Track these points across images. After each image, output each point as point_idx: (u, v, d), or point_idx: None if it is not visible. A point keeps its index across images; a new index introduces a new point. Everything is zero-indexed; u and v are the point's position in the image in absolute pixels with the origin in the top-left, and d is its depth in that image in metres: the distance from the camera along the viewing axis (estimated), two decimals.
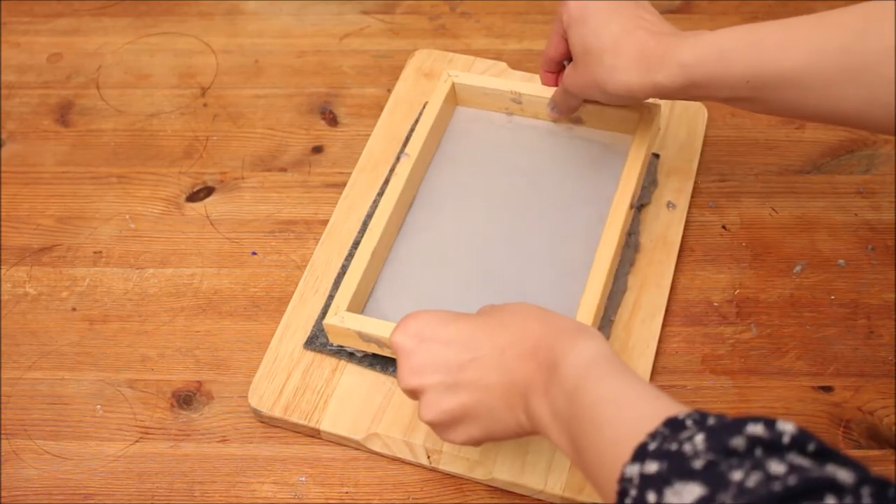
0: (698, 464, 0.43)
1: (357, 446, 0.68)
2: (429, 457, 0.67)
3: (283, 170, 0.84)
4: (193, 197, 0.83)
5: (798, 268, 0.76)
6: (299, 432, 0.69)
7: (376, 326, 0.67)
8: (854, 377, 0.71)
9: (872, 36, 0.57)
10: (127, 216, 0.82)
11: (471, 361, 0.56)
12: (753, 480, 0.40)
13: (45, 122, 0.89)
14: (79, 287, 0.77)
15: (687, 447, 0.43)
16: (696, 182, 0.81)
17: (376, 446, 0.67)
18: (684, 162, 0.81)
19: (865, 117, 0.60)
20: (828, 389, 0.70)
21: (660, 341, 0.72)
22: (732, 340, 0.73)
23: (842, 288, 0.75)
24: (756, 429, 0.43)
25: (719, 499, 0.41)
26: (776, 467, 0.41)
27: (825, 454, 0.42)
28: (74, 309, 0.76)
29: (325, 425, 0.68)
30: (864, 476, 0.40)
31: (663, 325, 0.73)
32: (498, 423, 0.56)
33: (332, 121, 0.88)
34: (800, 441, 0.42)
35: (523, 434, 0.57)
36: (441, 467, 0.67)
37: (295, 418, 0.68)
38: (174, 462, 0.68)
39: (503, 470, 0.66)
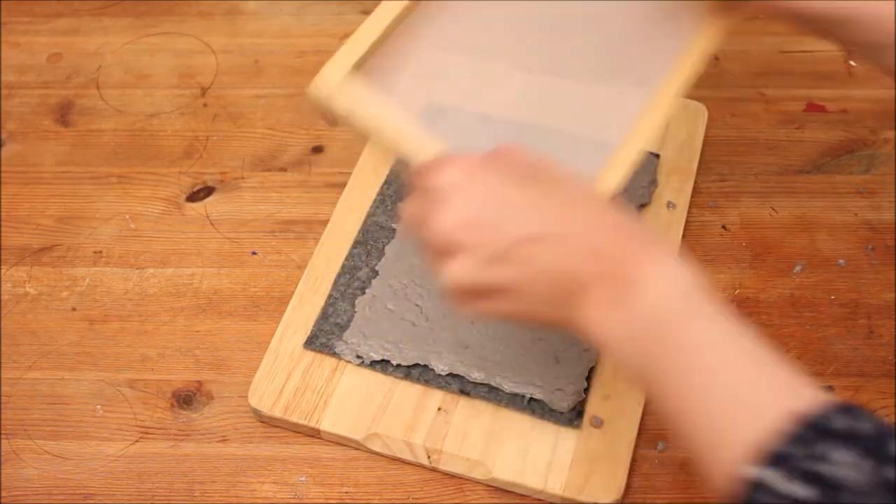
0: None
1: (357, 446, 0.68)
2: (429, 457, 0.67)
3: (283, 170, 0.84)
4: (193, 197, 0.83)
5: (798, 268, 0.76)
6: (299, 432, 0.69)
7: (394, 118, 0.54)
8: (854, 377, 0.71)
9: None
10: (127, 216, 0.82)
11: (530, 237, 0.49)
12: None
13: (45, 122, 0.89)
14: (79, 287, 0.77)
15: (840, 472, 0.38)
16: (696, 182, 0.81)
17: (376, 446, 0.67)
18: (684, 162, 0.81)
19: None
20: (828, 389, 0.70)
21: None
22: None
23: (842, 288, 0.75)
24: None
25: None
26: None
27: None
28: (74, 309, 0.76)
29: (325, 425, 0.68)
30: None
31: None
32: (534, 311, 0.50)
33: (332, 121, 0.88)
34: None
35: (554, 326, 0.51)
36: (441, 467, 0.67)
37: (295, 418, 0.68)
38: (174, 462, 0.68)
39: (503, 470, 0.66)
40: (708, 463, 0.44)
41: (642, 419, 0.68)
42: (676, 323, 0.46)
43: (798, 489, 0.39)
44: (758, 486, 0.40)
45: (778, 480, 0.39)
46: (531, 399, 0.68)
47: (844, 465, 0.39)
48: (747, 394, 0.43)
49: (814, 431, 0.40)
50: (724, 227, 0.79)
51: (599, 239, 0.49)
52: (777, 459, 0.40)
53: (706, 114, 0.85)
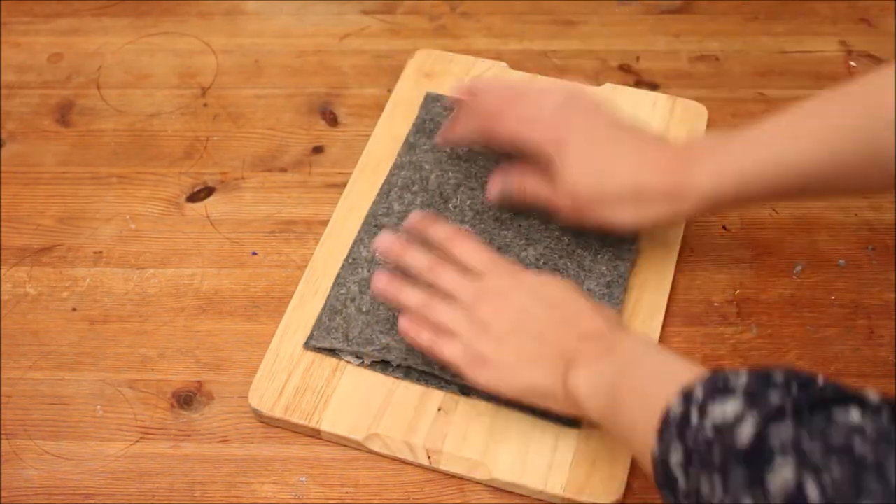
0: (740, 386, 0.49)
1: (357, 446, 0.68)
2: (429, 457, 0.67)
3: (284, 170, 0.84)
4: (194, 197, 0.83)
5: (798, 268, 0.76)
6: (299, 432, 0.69)
7: None
8: (854, 377, 0.71)
9: (880, 117, 0.60)
10: (127, 216, 0.82)
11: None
12: (794, 391, 0.47)
13: (45, 122, 0.89)
14: (79, 287, 0.77)
15: (732, 379, 0.49)
16: None
17: (376, 446, 0.67)
18: None
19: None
20: None
21: (660, 341, 0.72)
22: (733, 341, 0.73)
23: (842, 288, 0.75)
24: (792, 372, 0.48)
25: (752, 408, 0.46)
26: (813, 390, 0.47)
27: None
28: (75, 309, 0.76)
29: (326, 425, 0.68)
30: (889, 401, 0.45)
31: (663, 325, 0.73)
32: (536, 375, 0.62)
33: (333, 121, 0.88)
34: (833, 384, 0.47)
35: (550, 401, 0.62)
36: (441, 467, 0.67)
37: (295, 418, 0.68)
38: (174, 462, 0.68)
39: (503, 470, 0.66)
40: (641, 460, 0.55)
41: None
42: (636, 360, 0.58)
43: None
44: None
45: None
46: None
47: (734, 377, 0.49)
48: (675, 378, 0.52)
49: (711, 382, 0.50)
50: (724, 227, 0.79)
51: (587, 325, 0.62)
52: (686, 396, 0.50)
53: (706, 114, 0.84)
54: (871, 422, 0.44)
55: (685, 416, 0.49)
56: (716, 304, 0.75)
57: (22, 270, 0.79)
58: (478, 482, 0.66)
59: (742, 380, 0.49)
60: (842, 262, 0.77)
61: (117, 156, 0.86)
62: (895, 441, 0.42)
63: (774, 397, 0.47)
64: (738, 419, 0.46)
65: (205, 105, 0.89)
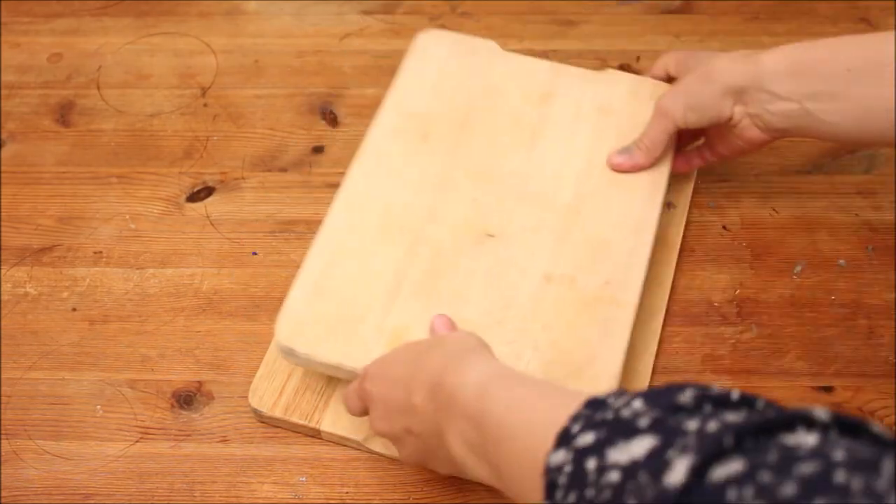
0: (644, 422, 0.40)
1: (357, 446, 0.68)
2: None
3: (284, 170, 0.84)
4: (194, 197, 0.83)
5: (798, 268, 0.76)
6: (299, 432, 0.69)
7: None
8: (854, 377, 0.71)
9: None
10: (127, 216, 0.82)
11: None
12: (713, 427, 0.38)
13: (45, 122, 0.89)
14: (79, 287, 0.77)
15: (625, 412, 0.41)
16: (696, 182, 0.81)
17: (376, 446, 0.67)
18: None
19: None
20: (828, 389, 0.70)
21: (660, 341, 0.72)
22: (733, 340, 0.73)
23: (842, 288, 0.75)
24: (700, 388, 0.41)
25: (677, 444, 0.37)
26: (733, 417, 0.38)
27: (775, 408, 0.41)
28: (75, 309, 0.76)
29: (326, 425, 0.68)
30: (837, 416, 0.38)
31: (663, 325, 0.73)
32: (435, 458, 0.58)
33: (333, 121, 0.88)
34: (749, 399, 0.41)
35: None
36: None
37: (295, 418, 0.68)
38: (174, 462, 0.68)
39: None
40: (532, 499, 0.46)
41: None
42: (485, 407, 0.50)
43: (585, 439, 0.41)
44: (555, 470, 0.42)
45: (566, 451, 0.42)
46: None
47: (625, 407, 0.42)
48: (547, 418, 0.45)
49: (592, 407, 0.43)
50: (724, 227, 0.79)
51: (429, 374, 0.54)
52: (564, 438, 0.42)
53: None
54: (834, 444, 0.36)
55: (578, 466, 0.41)
56: (716, 304, 0.75)
57: (22, 270, 0.79)
58: (478, 482, 0.66)
59: (637, 406, 0.41)
60: (842, 262, 0.77)
61: (117, 156, 0.86)
62: (874, 460, 0.34)
63: (691, 424, 0.38)
64: (657, 459, 0.38)
65: (205, 105, 0.89)
